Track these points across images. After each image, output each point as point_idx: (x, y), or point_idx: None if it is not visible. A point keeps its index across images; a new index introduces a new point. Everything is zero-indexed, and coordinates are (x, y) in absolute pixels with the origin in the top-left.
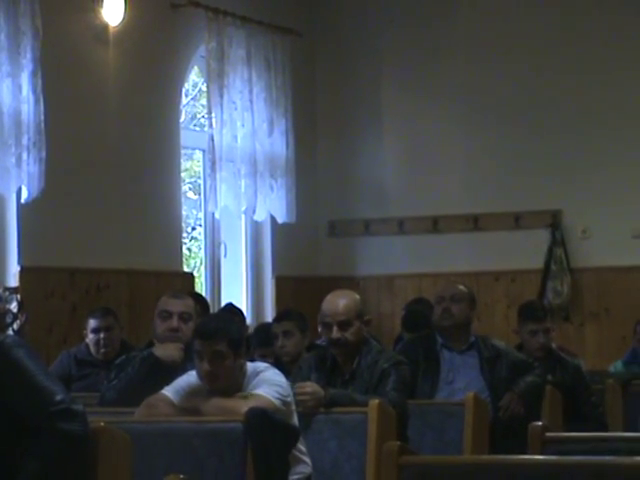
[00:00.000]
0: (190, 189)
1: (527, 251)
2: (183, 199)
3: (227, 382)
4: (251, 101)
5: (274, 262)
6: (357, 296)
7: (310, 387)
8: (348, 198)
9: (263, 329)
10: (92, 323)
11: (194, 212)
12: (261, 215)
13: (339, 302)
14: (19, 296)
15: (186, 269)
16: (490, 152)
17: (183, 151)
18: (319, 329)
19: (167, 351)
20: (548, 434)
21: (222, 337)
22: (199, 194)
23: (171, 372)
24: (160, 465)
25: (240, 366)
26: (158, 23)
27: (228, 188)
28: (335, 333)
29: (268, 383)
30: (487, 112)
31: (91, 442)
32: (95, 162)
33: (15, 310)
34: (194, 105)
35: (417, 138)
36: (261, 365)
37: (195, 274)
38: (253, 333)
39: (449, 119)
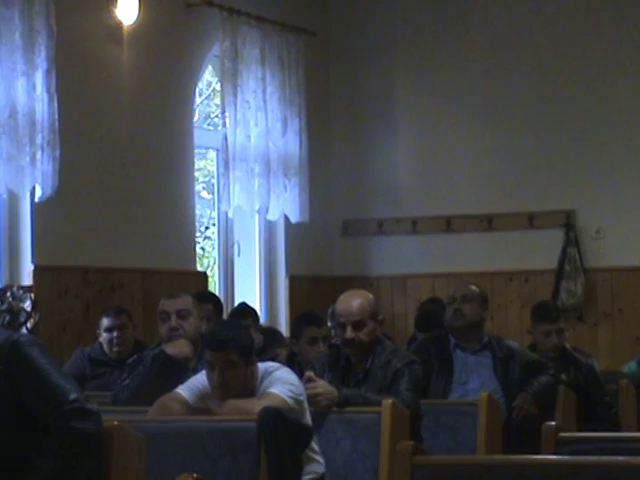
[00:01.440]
0: (204, 188)
1: (541, 251)
2: (197, 198)
3: (239, 390)
4: (265, 100)
5: (287, 262)
6: (371, 296)
7: (322, 387)
8: (362, 198)
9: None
10: (105, 322)
11: (208, 211)
12: (274, 215)
13: (353, 302)
14: (33, 295)
15: (199, 268)
16: (504, 152)
17: (197, 150)
18: (331, 330)
19: (177, 347)
20: (562, 434)
21: (233, 347)
22: (213, 193)
23: (183, 370)
24: (173, 464)
25: (252, 373)
26: (172, 22)
27: (241, 187)
28: (349, 333)
29: (281, 382)
30: (501, 112)
31: (104, 441)
32: (109, 161)
33: (29, 309)
34: (208, 104)
35: (431, 138)
36: (273, 365)
37: (208, 273)
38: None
39: (463, 119)
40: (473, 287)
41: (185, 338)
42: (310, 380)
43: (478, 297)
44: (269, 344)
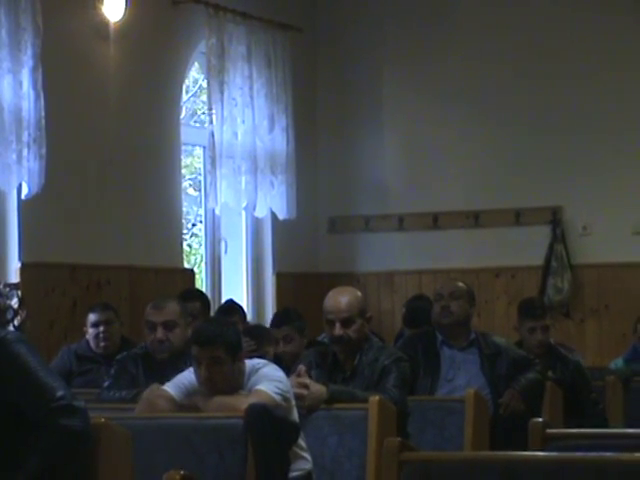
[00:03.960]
0: (190, 185)
1: (527, 248)
2: (183, 195)
3: (226, 387)
4: (251, 97)
5: (274, 258)
6: (359, 293)
7: (311, 386)
8: (348, 194)
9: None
10: (92, 317)
11: (194, 208)
12: (261, 211)
13: (342, 299)
14: (20, 292)
15: (186, 265)
16: (491, 148)
17: (183, 147)
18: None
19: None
20: (549, 430)
21: (220, 343)
22: (199, 190)
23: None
24: (160, 461)
25: (238, 369)
26: (159, 19)
27: (228, 184)
28: (338, 330)
29: (268, 379)
30: (488, 108)
31: (92, 438)
32: (95, 158)
33: (16, 306)
34: (194, 101)
35: (417, 134)
36: (260, 362)
37: (195, 270)
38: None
39: (450, 116)
40: (460, 284)
41: (169, 351)
42: (299, 375)
43: (465, 294)
44: (258, 342)
